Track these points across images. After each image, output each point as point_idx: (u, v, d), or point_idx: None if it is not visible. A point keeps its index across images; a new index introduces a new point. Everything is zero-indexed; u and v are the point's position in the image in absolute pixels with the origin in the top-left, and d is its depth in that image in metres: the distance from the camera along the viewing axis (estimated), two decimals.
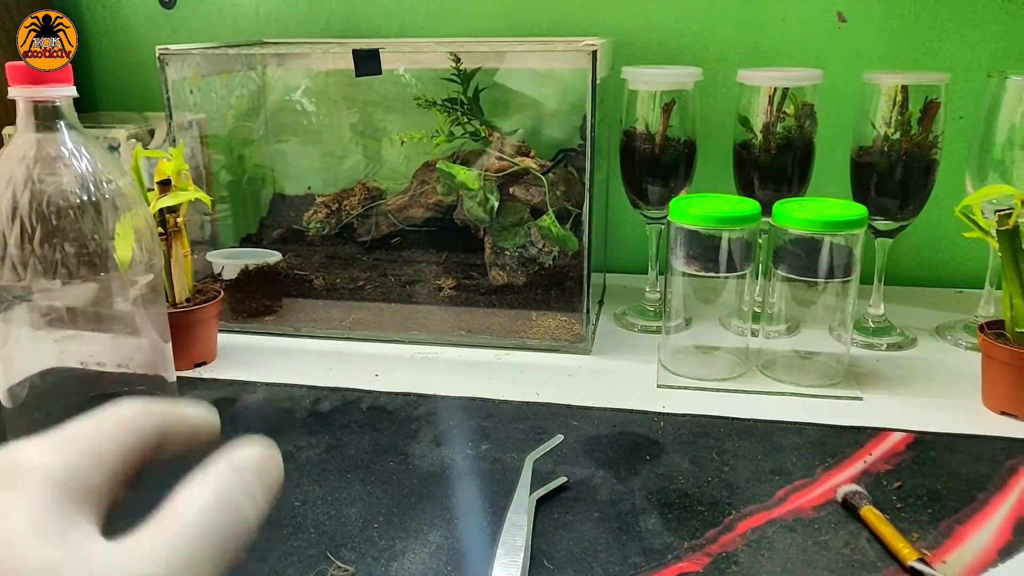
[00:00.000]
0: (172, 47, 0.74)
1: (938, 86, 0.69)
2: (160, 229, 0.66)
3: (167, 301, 0.67)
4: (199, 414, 0.28)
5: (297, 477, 0.53)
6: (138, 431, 0.24)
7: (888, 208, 0.72)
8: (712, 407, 0.62)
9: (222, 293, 0.72)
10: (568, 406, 0.62)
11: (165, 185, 0.66)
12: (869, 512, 0.47)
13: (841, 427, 0.58)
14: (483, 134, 0.80)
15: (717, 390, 0.65)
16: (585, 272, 0.72)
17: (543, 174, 0.78)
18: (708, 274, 0.64)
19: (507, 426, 0.59)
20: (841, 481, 0.51)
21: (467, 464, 0.54)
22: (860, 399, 0.63)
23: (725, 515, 0.48)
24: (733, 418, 0.60)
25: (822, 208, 0.63)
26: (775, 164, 0.74)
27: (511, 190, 0.78)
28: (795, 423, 0.59)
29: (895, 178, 0.71)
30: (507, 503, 0.49)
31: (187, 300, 0.69)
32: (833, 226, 0.61)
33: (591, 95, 0.67)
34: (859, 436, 0.57)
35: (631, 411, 0.61)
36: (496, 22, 0.92)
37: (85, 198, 0.53)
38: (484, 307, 0.77)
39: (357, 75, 0.71)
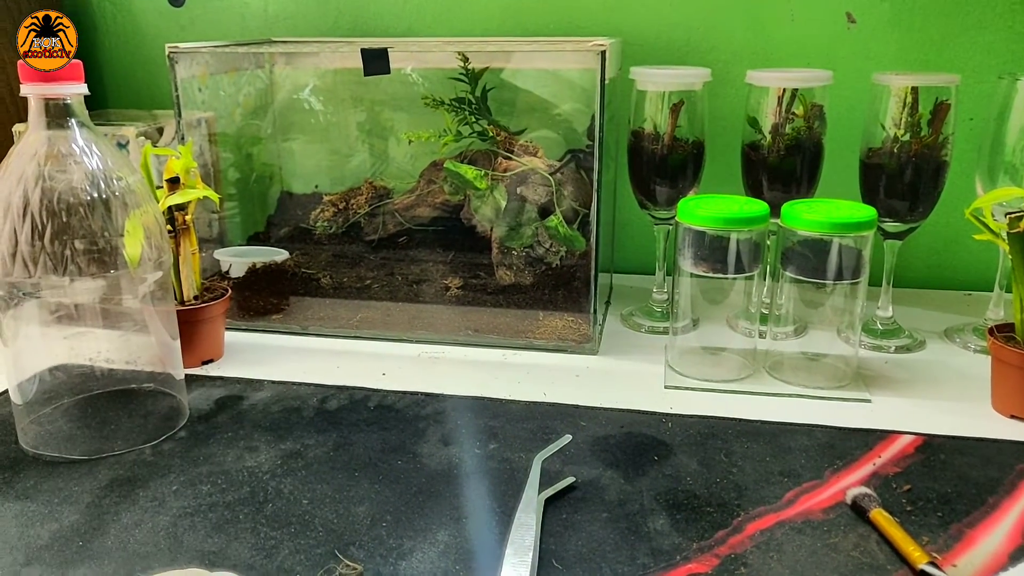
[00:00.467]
0: (182, 46, 0.75)
1: (948, 87, 0.69)
2: (169, 227, 0.66)
3: (175, 298, 0.67)
4: None
5: (305, 475, 0.53)
6: None
7: (897, 210, 0.72)
8: (720, 408, 0.61)
9: (230, 291, 0.72)
10: (576, 406, 0.62)
11: (174, 183, 0.66)
12: (879, 515, 0.47)
13: (850, 429, 0.58)
14: (491, 134, 0.80)
15: (725, 391, 0.64)
16: (592, 272, 0.72)
17: (551, 174, 0.77)
18: (716, 275, 0.64)
19: (515, 426, 0.59)
20: (850, 483, 0.51)
21: (475, 463, 0.54)
22: (868, 401, 0.63)
23: (734, 516, 0.48)
24: (741, 419, 0.60)
25: (831, 209, 0.63)
26: (784, 165, 0.73)
27: (519, 190, 0.78)
28: (803, 425, 0.59)
29: (904, 180, 0.70)
30: (515, 503, 0.49)
31: (195, 298, 0.69)
32: (842, 228, 0.61)
33: (599, 95, 0.67)
34: (868, 438, 0.57)
35: (639, 412, 0.61)
36: (504, 22, 0.92)
37: (95, 195, 0.53)
38: (491, 307, 0.77)
39: (366, 74, 0.71)
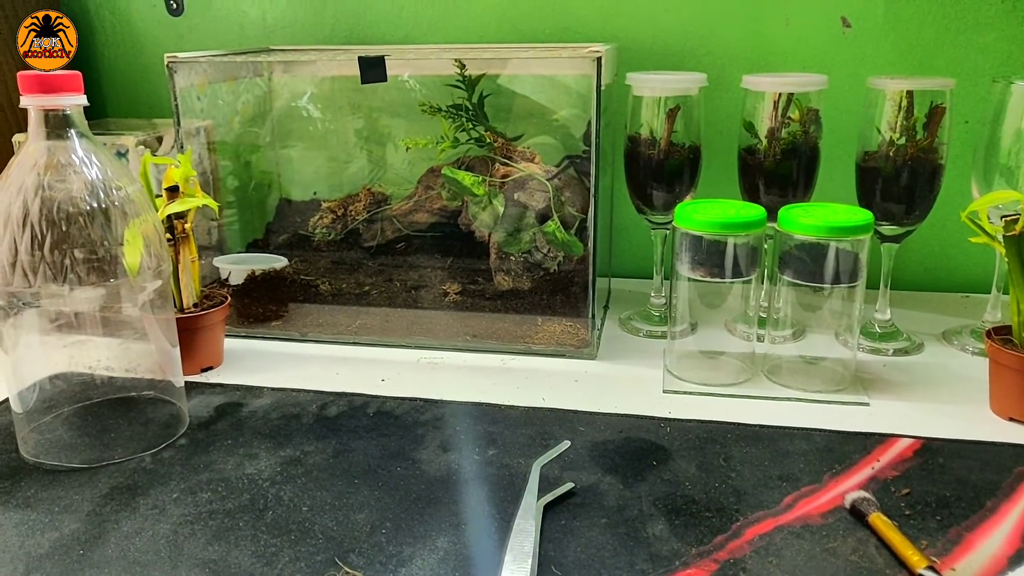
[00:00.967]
0: (180, 55, 0.75)
1: (943, 91, 0.69)
2: (168, 235, 0.66)
3: (175, 306, 0.68)
4: None
5: (304, 482, 0.53)
6: None
7: (894, 213, 0.72)
8: (718, 412, 0.61)
9: (229, 298, 0.72)
10: (574, 411, 0.62)
11: (173, 191, 0.66)
12: (877, 519, 0.47)
13: (848, 433, 0.58)
14: (488, 140, 0.80)
15: (723, 395, 0.65)
16: (590, 277, 0.72)
17: (548, 180, 0.78)
18: (713, 279, 0.64)
19: (514, 431, 0.59)
20: (849, 487, 0.51)
21: (474, 469, 0.54)
22: (867, 404, 0.63)
23: (732, 521, 0.48)
24: (739, 424, 0.60)
25: (828, 213, 0.63)
26: (780, 169, 0.74)
27: (516, 196, 0.78)
28: (802, 429, 0.59)
29: (901, 183, 0.71)
30: (514, 509, 0.49)
31: (194, 305, 0.70)
32: (839, 231, 0.61)
33: (595, 101, 0.67)
34: (866, 442, 0.57)
35: (637, 416, 0.61)
36: (500, 28, 0.92)
37: (94, 205, 0.53)
38: (489, 312, 0.77)
39: (363, 82, 0.72)
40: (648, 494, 0.51)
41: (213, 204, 0.70)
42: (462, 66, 0.76)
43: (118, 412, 0.62)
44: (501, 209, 0.78)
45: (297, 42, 0.98)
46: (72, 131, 0.54)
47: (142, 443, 0.58)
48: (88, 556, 0.46)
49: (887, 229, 0.73)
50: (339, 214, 0.87)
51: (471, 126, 0.80)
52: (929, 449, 0.56)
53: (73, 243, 0.53)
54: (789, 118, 0.73)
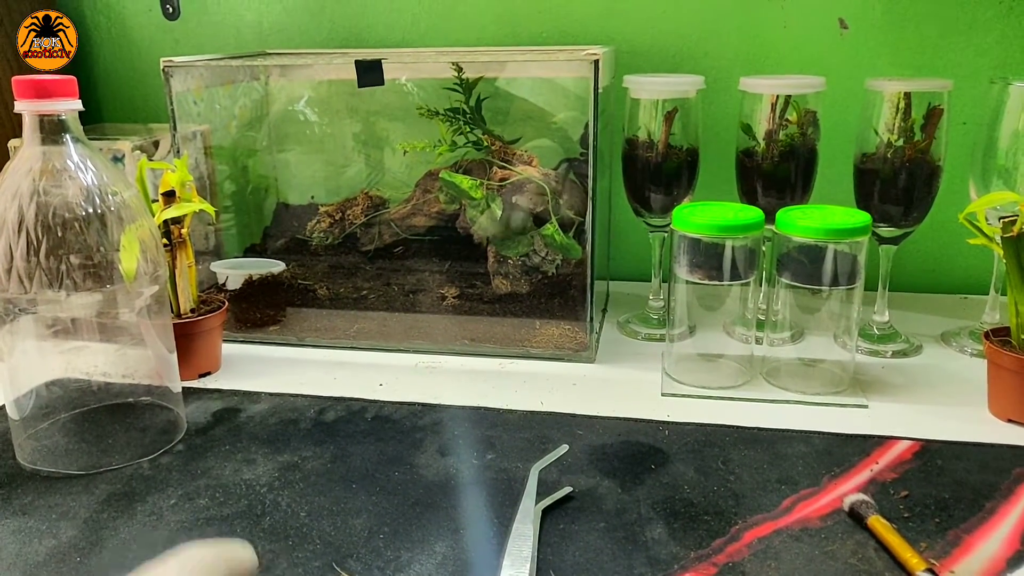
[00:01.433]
0: (177, 59, 0.75)
1: (941, 92, 0.69)
2: (164, 240, 0.66)
3: (172, 312, 0.67)
4: (248, 555, 0.37)
5: (302, 488, 0.53)
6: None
7: (892, 215, 0.72)
8: (717, 416, 0.61)
9: (226, 303, 0.72)
10: (573, 415, 0.62)
11: (169, 196, 0.66)
12: (876, 521, 0.47)
13: (847, 435, 0.58)
14: (485, 143, 0.80)
15: (721, 398, 0.64)
16: (588, 280, 0.72)
17: (546, 183, 0.78)
18: (712, 282, 0.64)
19: (512, 435, 0.59)
20: (847, 490, 0.51)
21: (472, 474, 0.54)
22: (865, 407, 0.63)
23: (731, 525, 0.48)
24: (738, 426, 0.60)
25: (826, 215, 0.63)
26: (778, 172, 0.74)
27: (514, 199, 0.78)
28: (800, 431, 0.59)
29: (899, 185, 0.71)
30: (513, 513, 0.49)
31: (192, 310, 0.69)
32: (837, 233, 0.61)
33: (593, 104, 0.67)
34: (865, 444, 0.57)
35: (636, 420, 0.61)
36: (498, 31, 0.92)
37: (90, 210, 0.53)
38: (488, 316, 0.77)
39: (360, 86, 0.72)
40: (646, 498, 0.51)
41: (210, 209, 0.70)
42: (459, 69, 0.76)
43: (115, 418, 0.61)
44: (499, 212, 0.77)
45: (294, 46, 0.98)
46: (67, 136, 0.54)
47: (139, 449, 0.57)
48: (85, 563, 0.46)
49: (885, 231, 0.73)
50: (337, 218, 0.87)
51: (469, 129, 0.80)
52: (928, 451, 0.56)
53: (69, 249, 0.52)
54: (787, 120, 0.73)
